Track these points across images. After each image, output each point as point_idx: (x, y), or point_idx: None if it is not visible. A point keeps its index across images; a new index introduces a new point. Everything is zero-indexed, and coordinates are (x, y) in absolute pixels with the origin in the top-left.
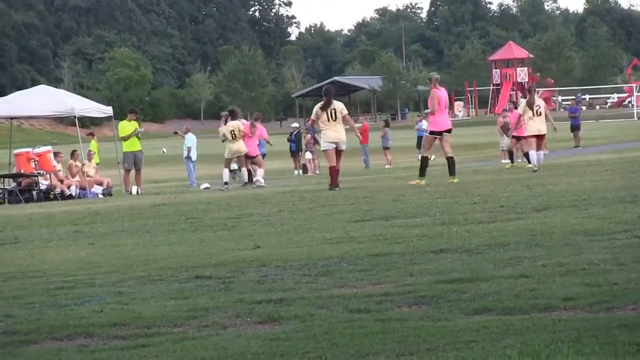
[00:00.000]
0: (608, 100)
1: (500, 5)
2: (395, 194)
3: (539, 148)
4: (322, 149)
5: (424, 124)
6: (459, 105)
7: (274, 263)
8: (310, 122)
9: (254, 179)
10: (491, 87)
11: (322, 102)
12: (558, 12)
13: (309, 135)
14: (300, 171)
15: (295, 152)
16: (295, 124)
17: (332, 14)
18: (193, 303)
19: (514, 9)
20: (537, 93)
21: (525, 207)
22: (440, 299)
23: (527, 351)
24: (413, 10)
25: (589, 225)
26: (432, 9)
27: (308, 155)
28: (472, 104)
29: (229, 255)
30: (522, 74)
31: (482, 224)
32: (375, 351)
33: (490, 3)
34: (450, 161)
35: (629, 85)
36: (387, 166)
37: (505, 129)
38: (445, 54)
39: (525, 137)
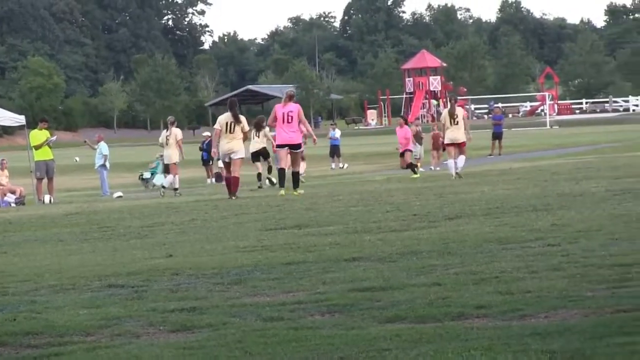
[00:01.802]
0: (521, 109)
1: (414, 14)
2: (308, 202)
3: (458, 155)
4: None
5: (337, 133)
6: (372, 113)
7: (187, 272)
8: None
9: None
10: (404, 96)
11: (227, 113)
12: (471, 21)
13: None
14: (214, 180)
15: (207, 161)
16: (208, 133)
17: (245, 23)
18: (106, 312)
19: (427, 18)
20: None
21: (438, 215)
22: (353, 307)
23: (439, 359)
24: (326, 19)
25: (501, 234)
26: (346, 17)
27: (220, 163)
28: (385, 113)
29: (142, 264)
30: (435, 83)
31: (395, 232)
32: (288, 359)
33: (403, 12)
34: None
35: (542, 93)
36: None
37: (418, 137)
38: (358, 63)
39: (410, 151)
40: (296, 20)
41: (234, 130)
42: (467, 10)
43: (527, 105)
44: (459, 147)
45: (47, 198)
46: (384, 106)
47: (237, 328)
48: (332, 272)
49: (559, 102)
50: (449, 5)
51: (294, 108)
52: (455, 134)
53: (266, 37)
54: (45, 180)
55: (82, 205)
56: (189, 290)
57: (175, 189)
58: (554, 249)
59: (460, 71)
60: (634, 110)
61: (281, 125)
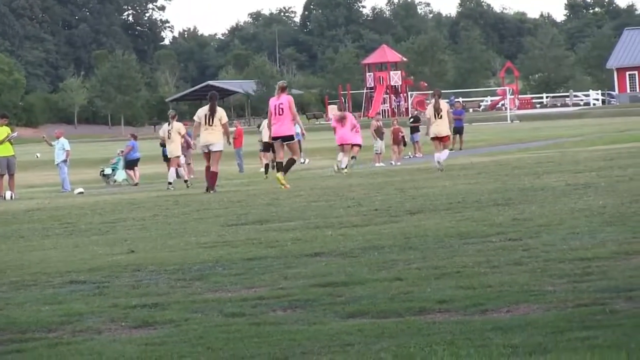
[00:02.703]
0: (481, 104)
1: (374, 9)
2: (269, 198)
3: (442, 148)
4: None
5: (297, 128)
6: (332, 109)
7: (148, 267)
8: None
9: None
10: (365, 91)
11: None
12: (431, 15)
13: (183, 139)
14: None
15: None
16: None
17: (205, 18)
18: (67, 308)
19: (387, 13)
20: (412, 97)
21: (400, 210)
22: (314, 303)
23: (402, 354)
24: (287, 14)
25: (463, 228)
26: (306, 12)
27: (182, 159)
28: (345, 108)
29: (104, 260)
30: (395, 78)
31: (357, 228)
32: (250, 355)
33: (363, 7)
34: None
35: (502, 88)
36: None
37: (379, 132)
38: (319, 58)
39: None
40: (256, 16)
41: (212, 123)
42: (427, 4)
43: (487, 100)
44: (442, 140)
45: (8, 194)
46: (345, 101)
47: (199, 324)
48: (293, 268)
49: (520, 96)
50: (409, 0)
51: (285, 100)
52: (440, 127)
53: (226, 32)
54: (6, 177)
55: (44, 201)
56: (151, 286)
57: (186, 181)
58: (515, 244)
59: (420, 66)
60: (594, 104)
61: (274, 118)
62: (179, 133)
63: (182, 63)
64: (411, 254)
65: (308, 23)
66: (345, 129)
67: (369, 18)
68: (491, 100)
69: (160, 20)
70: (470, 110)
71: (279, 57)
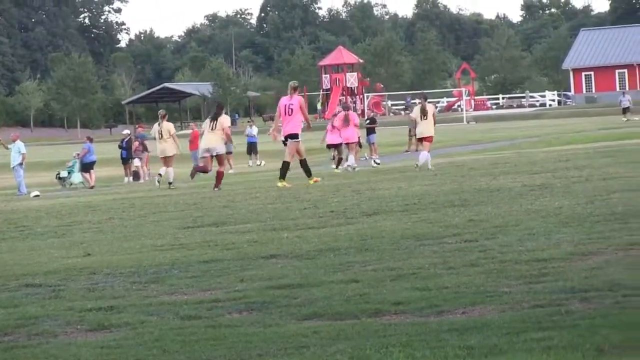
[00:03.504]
0: (437, 105)
1: (330, 10)
2: (225, 200)
3: (425, 148)
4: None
5: (255, 130)
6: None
7: (104, 270)
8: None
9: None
10: (321, 92)
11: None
12: (387, 17)
13: (137, 142)
14: (131, 178)
15: (126, 159)
16: (127, 131)
17: (162, 20)
18: (23, 311)
19: (344, 14)
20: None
21: (356, 212)
22: (271, 305)
23: (357, 356)
24: (243, 16)
25: (419, 230)
26: (262, 14)
27: (137, 162)
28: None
29: (59, 263)
30: (351, 79)
31: (313, 230)
32: (207, 357)
33: (319, 8)
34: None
35: (458, 89)
36: (230, 171)
37: None
38: (275, 60)
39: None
40: (213, 18)
41: (215, 128)
42: (384, 6)
43: (444, 101)
44: (425, 140)
45: None
46: None
47: (155, 327)
48: (249, 270)
49: (476, 97)
50: (365, 1)
51: (295, 100)
52: (424, 128)
53: (183, 34)
54: None
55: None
56: (107, 289)
57: (170, 183)
58: (471, 245)
59: (377, 67)
60: (550, 105)
61: (283, 118)
62: (169, 132)
63: (139, 65)
64: (367, 256)
65: (264, 25)
66: (350, 128)
67: (325, 20)
68: (447, 102)
69: (117, 22)
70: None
71: (236, 59)
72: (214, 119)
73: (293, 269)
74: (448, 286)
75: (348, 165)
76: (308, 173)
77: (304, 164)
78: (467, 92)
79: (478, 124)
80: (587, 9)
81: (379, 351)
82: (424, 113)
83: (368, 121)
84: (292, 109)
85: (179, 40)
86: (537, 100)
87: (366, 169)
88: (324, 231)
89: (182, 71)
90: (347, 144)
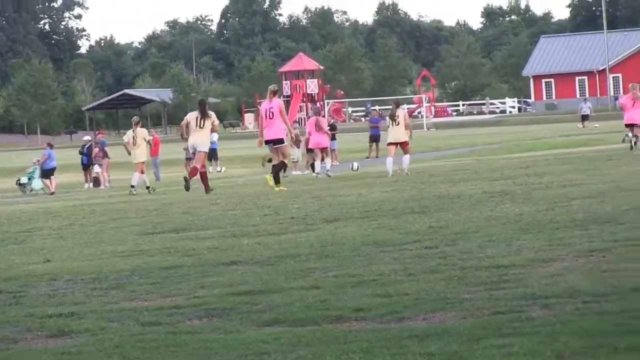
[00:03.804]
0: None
1: (290, 17)
2: (186, 207)
3: (393, 154)
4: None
5: (215, 136)
6: (249, 117)
7: (64, 277)
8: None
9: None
10: (282, 99)
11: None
12: (348, 23)
13: (97, 148)
14: (92, 184)
15: (87, 165)
16: (87, 137)
17: (122, 26)
18: None
19: (304, 21)
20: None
21: (316, 218)
22: (231, 311)
23: None
24: (203, 22)
25: (379, 236)
26: (223, 21)
27: (97, 168)
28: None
29: (20, 270)
30: (312, 86)
31: (273, 236)
32: None
33: (280, 15)
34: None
35: (419, 96)
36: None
37: (296, 141)
38: (235, 66)
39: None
40: (173, 24)
41: (203, 126)
42: (344, 13)
43: (404, 108)
44: (402, 146)
45: None
46: None
47: (115, 333)
48: (210, 276)
49: (436, 104)
50: (326, 7)
51: (275, 104)
52: (395, 134)
53: (143, 40)
54: None
55: None
56: (67, 295)
57: (148, 187)
58: (431, 252)
59: (337, 74)
60: (510, 112)
61: (265, 122)
62: (144, 139)
63: (99, 71)
64: (328, 262)
65: (225, 31)
66: (322, 133)
67: (285, 26)
68: (408, 108)
69: (77, 28)
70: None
71: (196, 65)
72: (202, 117)
73: (253, 276)
74: (409, 293)
75: (327, 170)
76: (275, 175)
77: (280, 166)
78: (427, 98)
79: (438, 130)
80: (547, 16)
81: (339, 357)
82: (393, 119)
83: (328, 127)
84: (272, 113)
85: (139, 46)
86: (497, 107)
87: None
88: (285, 237)
89: (142, 77)
90: (320, 149)
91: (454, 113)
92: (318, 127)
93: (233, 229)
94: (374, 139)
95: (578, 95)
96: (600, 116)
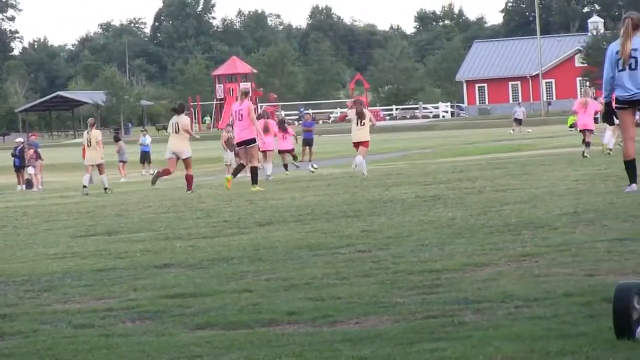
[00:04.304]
0: (331, 115)
1: (224, 20)
2: (119, 209)
3: (361, 153)
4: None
5: (148, 139)
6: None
7: None
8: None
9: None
10: (215, 102)
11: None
12: (281, 27)
13: (32, 150)
14: (24, 186)
15: (19, 167)
16: (20, 139)
17: (55, 28)
18: None
19: (238, 24)
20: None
21: (249, 221)
22: (164, 314)
23: None
24: (137, 25)
25: (312, 240)
26: (156, 24)
27: (30, 170)
28: (195, 119)
29: None
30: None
31: (206, 239)
32: None
33: (213, 18)
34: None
35: (352, 100)
36: (124, 179)
37: (229, 144)
38: (169, 69)
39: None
40: (106, 26)
41: (178, 131)
42: (278, 16)
43: (337, 112)
44: (363, 145)
45: None
46: (195, 112)
47: (48, 335)
48: (142, 279)
49: (369, 108)
50: (259, 11)
51: (245, 106)
52: (360, 133)
53: (76, 43)
54: None
55: None
56: None
57: (106, 188)
58: (364, 255)
59: (270, 77)
60: (443, 116)
61: (235, 124)
62: (97, 140)
63: (32, 73)
64: (260, 266)
65: (158, 34)
66: (269, 137)
67: (219, 29)
68: (341, 112)
69: (10, 30)
70: (320, 122)
71: (129, 68)
72: (177, 118)
73: (186, 279)
74: (341, 296)
75: (268, 175)
76: (234, 175)
77: (241, 169)
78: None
79: (371, 134)
80: (480, 21)
81: None
82: (361, 118)
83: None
84: (242, 115)
85: (73, 48)
86: (431, 112)
87: (261, 178)
88: (217, 241)
89: (75, 79)
90: (263, 152)
91: (387, 117)
92: (266, 130)
93: (166, 231)
94: (307, 142)
95: (511, 100)
96: (533, 121)
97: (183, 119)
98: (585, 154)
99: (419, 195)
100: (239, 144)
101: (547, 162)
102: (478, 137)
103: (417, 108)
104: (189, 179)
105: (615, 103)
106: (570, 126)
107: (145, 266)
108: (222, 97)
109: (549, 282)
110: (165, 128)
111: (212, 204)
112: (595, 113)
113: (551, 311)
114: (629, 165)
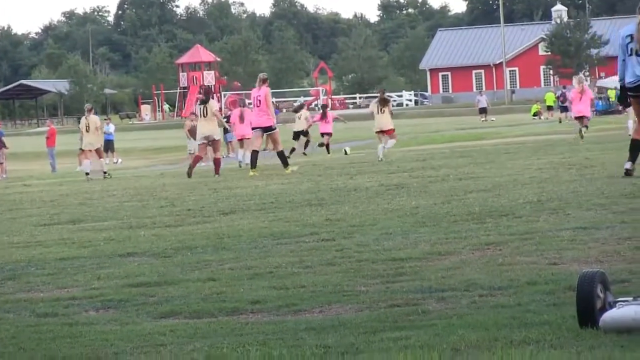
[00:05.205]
0: (295, 104)
1: (187, 8)
2: (82, 198)
3: (387, 140)
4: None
5: (111, 127)
6: (146, 108)
7: None
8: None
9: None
10: (178, 91)
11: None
12: (245, 15)
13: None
14: None
15: None
16: None
17: (19, 16)
18: None
19: (201, 13)
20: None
21: (213, 210)
22: (127, 303)
23: (214, 354)
24: (100, 13)
25: (276, 228)
26: (120, 12)
27: None
28: (159, 108)
29: None
30: (209, 77)
31: (170, 228)
32: (63, 355)
33: (177, 6)
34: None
35: (316, 88)
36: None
37: (192, 132)
38: (132, 57)
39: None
40: (70, 15)
41: (207, 114)
42: (241, 4)
43: (301, 100)
44: (387, 133)
45: None
46: (158, 101)
47: (11, 324)
48: (106, 268)
49: (333, 96)
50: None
51: (262, 92)
52: (383, 121)
53: (40, 31)
54: None
55: None
56: None
57: (105, 172)
58: (328, 244)
59: (234, 66)
60: (407, 105)
61: (254, 110)
62: (95, 126)
63: None
64: (224, 254)
65: (122, 22)
66: (246, 125)
67: (182, 18)
68: (304, 101)
69: None
70: (284, 110)
71: (93, 56)
72: (204, 104)
73: (150, 267)
74: (305, 285)
75: (240, 162)
76: (284, 164)
77: (280, 155)
78: (324, 91)
79: (335, 122)
80: (444, 10)
81: (235, 350)
82: (383, 105)
83: (226, 119)
84: (260, 101)
85: (36, 37)
86: (395, 100)
87: (225, 167)
88: (181, 229)
89: (39, 68)
90: (240, 139)
91: (351, 105)
92: (242, 119)
93: (130, 220)
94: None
95: (475, 89)
96: (497, 109)
97: (211, 103)
98: (583, 134)
99: (382, 184)
100: (255, 128)
101: (511, 151)
102: (442, 126)
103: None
104: (217, 162)
105: (626, 89)
106: (534, 115)
107: (109, 255)
108: (186, 85)
109: (512, 270)
110: (129, 117)
111: (176, 192)
112: (591, 101)
113: (515, 300)
114: (635, 144)
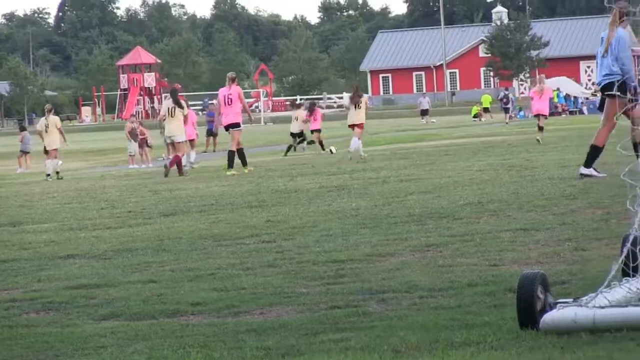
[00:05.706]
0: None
1: (128, 10)
2: (22, 200)
3: (356, 134)
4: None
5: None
6: (86, 110)
7: None
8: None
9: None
10: (119, 92)
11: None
12: (186, 17)
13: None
14: None
15: None
16: None
17: None
18: None
19: (142, 14)
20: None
21: (153, 212)
22: (68, 305)
23: (155, 356)
24: (40, 15)
25: (216, 230)
26: (60, 14)
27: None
28: (99, 109)
29: None
30: (149, 79)
31: (110, 230)
32: (3, 357)
33: (117, 8)
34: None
35: (256, 90)
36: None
37: (133, 134)
38: (73, 59)
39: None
40: (10, 17)
41: (174, 115)
42: (182, 6)
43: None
44: (359, 127)
45: None
46: (99, 103)
47: None
48: (47, 270)
49: (274, 98)
50: (164, 1)
51: (234, 91)
52: (356, 116)
53: None
54: None
55: None
56: None
57: (57, 173)
58: (268, 246)
59: (175, 68)
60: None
61: (223, 108)
62: (56, 126)
63: None
64: (165, 256)
65: (62, 24)
66: (189, 126)
67: (123, 19)
68: (247, 102)
69: None
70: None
71: (33, 58)
72: (176, 104)
73: (90, 269)
74: (246, 287)
75: (190, 163)
76: (243, 162)
77: (240, 153)
78: (265, 93)
79: (276, 124)
80: (385, 11)
81: (176, 351)
82: (357, 101)
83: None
84: (231, 99)
85: None
86: (335, 102)
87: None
88: (121, 231)
89: None
90: (190, 140)
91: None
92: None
93: (70, 222)
94: (212, 132)
95: (415, 91)
96: (437, 111)
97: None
98: (538, 139)
99: (323, 186)
100: (226, 127)
101: (451, 152)
102: (382, 128)
103: (321, 98)
104: (176, 160)
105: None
106: (474, 116)
107: (50, 257)
108: (126, 87)
109: (453, 272)
110: (69, 118)
111: (116, 194)
112: (550, 100)
113: (455, 301)
114: (593, 149)
